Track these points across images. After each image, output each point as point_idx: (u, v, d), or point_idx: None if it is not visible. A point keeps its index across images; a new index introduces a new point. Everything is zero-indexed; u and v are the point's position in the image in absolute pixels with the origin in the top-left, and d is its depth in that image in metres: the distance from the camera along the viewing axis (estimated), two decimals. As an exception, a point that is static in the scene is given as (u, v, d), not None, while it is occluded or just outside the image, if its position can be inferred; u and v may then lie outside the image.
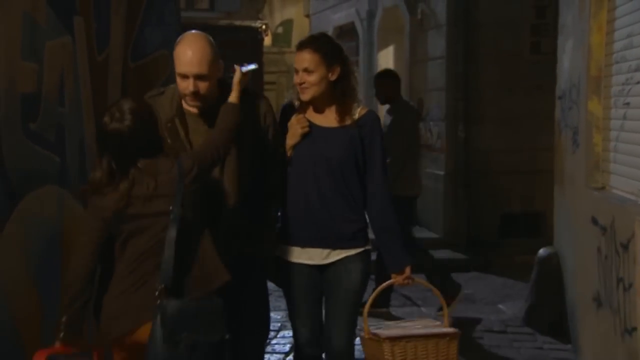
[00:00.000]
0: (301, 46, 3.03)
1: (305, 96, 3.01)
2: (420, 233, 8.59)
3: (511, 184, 8.12)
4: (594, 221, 4.19)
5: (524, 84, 7.96)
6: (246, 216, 2.93)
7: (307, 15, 13.44)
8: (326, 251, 3.03)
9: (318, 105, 3.07)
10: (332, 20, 11.73)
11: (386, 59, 10.30)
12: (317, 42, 3.03)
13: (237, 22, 11.38)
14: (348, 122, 3.05)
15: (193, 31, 2.90)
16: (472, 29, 8.06)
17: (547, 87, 6.10)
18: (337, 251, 3.04)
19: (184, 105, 2.85)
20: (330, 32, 11.67)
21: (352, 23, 10.97)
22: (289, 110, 3.13)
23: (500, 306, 6.02)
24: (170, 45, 3.12)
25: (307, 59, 2.98)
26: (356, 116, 3.06)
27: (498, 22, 8.03)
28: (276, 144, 3.03)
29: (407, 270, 3.06)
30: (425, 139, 8.75)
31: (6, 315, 2.73)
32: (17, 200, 2.79)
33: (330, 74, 3.00)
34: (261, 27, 10.87)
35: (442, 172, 8.31)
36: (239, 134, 2.85)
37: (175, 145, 2.78)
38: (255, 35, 10.65)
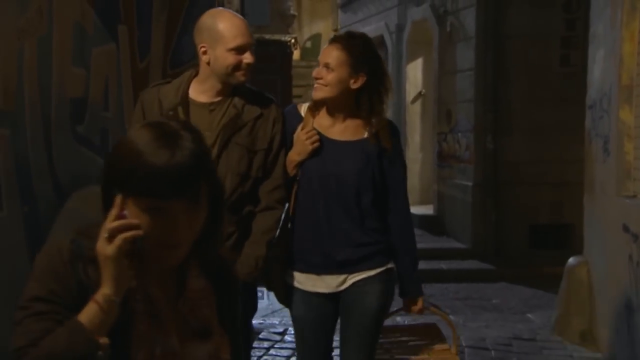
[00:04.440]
0: (333, 40, 2.69)
1: (317, 94, 2.63)
2: (448, 243, 8.63)
3: (539, 195, 8.11)
4: (625, 229, 4.21)
5: (553, 96, 7.97)
6: (234, 229, 2.59)
7: (336, 30, 13.57)
8: (342, 276, 2.68)
9: (332, 112, 2.66)
10: (361, 34, 11.83)
11: (415, 71, 10.37)
12: (349, 41, 2.63)
13: (267, 36, 11.52)
14: (366, 134, 2.65)
15: (218, 7, 2.84)
16: (501, 41, 8.11)
17: (576, 99, 6.12)
18: (355, 275, 2.68)
19: (190, 95, 2.64)
20: (358, 45, 11.79)
21: (382, 36, 11.05)
22: (292, 117, 2.70)
23: (529, 315, 6.02)
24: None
25: (331, 54, 2.60)
26: (374, 128, 2.65)
27: (527, 34, 8.06)
28: (279, 155, 2.66)
29: (420, 301, 2.80)
30: (454, 150, 8.81)
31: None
32: (65, 198, 2.91)
33: (352, 80, 2.59)
34: (290, 41, 11.01)
35: (470, 183, 8.33)
36: (233, 135, 2.54)
37: None
38: (285, 49, 10.78)
